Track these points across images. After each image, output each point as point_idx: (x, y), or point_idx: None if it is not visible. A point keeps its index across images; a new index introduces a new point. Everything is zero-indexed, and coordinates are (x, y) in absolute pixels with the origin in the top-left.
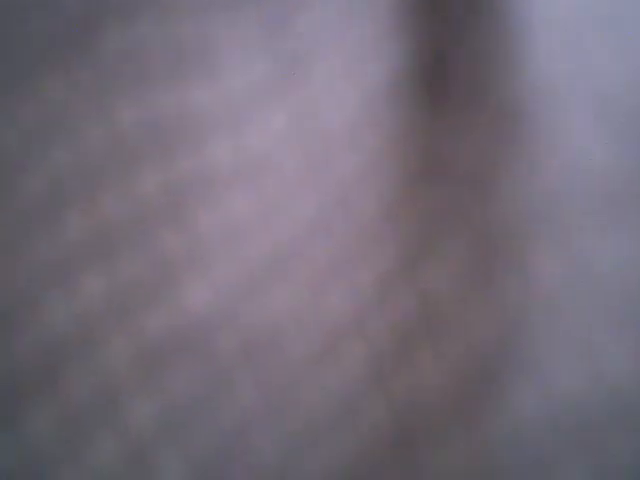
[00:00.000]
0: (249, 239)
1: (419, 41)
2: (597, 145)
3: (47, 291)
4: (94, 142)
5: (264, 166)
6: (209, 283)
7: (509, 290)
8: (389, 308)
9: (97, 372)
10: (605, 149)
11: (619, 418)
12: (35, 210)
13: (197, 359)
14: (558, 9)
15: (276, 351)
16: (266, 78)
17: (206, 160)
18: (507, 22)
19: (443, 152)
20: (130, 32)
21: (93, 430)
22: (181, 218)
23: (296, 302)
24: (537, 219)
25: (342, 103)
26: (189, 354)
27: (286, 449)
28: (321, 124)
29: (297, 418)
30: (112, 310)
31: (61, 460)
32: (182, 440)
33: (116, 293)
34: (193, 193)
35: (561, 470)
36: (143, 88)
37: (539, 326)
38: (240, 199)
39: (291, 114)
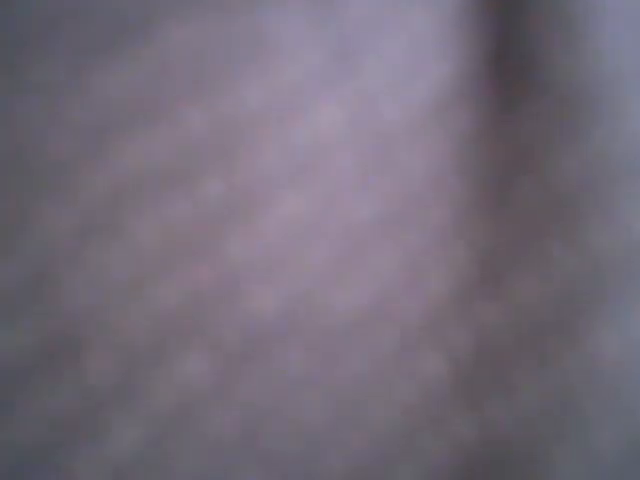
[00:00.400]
0: (307, 243)
1: (484, 28)
2: None
3: (123, 303)
4: (158, 145)
5: (320, 165)
6: (274, 288)
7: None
8: (467, 314)
9: (174, 381)
10: None
11: None
12: (100, 213)
13: (267, 365)
14: None
15: (343, 359)
16: (320, 71)
17: (261, 159)
18: (572, 7)
19: (510, 147)
20: (185, 28)
21: (171, 439)
22: (242, 222)
23: (360, 306)
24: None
25: (403, 97)
26: (260, 360)
27: (352, 465)
28: (380, 120)
29: (363, 433)
30: (187, 318)
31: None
32: (260, 446)
33: (188, 300)
34: (252, 197)
35: None
36: (199, 86)
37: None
38: (293, 201)
39: (347, 111)
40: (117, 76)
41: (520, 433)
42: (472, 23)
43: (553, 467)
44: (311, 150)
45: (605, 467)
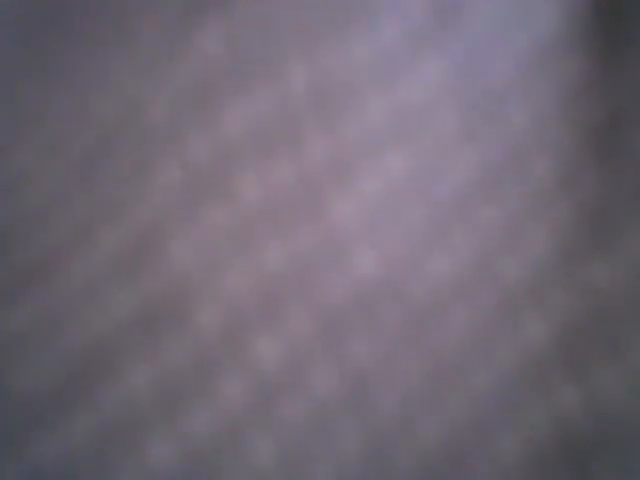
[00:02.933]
0: (409, 204)
1: None
2: None
3: (228, 259)
4: (261, 105)
5: (422, 124)
6: (376, 249)
7: None
8: (572, 276)
9: (283, 343)
10: None
11: None
12: (206, 174)
13: (367, 327)
14: None
15: (443, 322)
16: (423, 25)
17: (365, 121)
18: None
19: (618, 97)
20: None
21: (279, 395)
22: (346, 185)
23: (461, 268)
24: None
25: (510, 54)
26: (362, 323)
27: (449, 431)
28: (485, 77)
29: (463, 398)
30: (291, 278)
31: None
32: (361, 408)
33: (293, 261)
34: (355, 157)
35: None
36: (306, 41)
37: None
38: (397, 160)
39: (451, 66)
40: (216, 34)
41: (634, 405)
42: None
43: None
44: (415, 105)
45: None
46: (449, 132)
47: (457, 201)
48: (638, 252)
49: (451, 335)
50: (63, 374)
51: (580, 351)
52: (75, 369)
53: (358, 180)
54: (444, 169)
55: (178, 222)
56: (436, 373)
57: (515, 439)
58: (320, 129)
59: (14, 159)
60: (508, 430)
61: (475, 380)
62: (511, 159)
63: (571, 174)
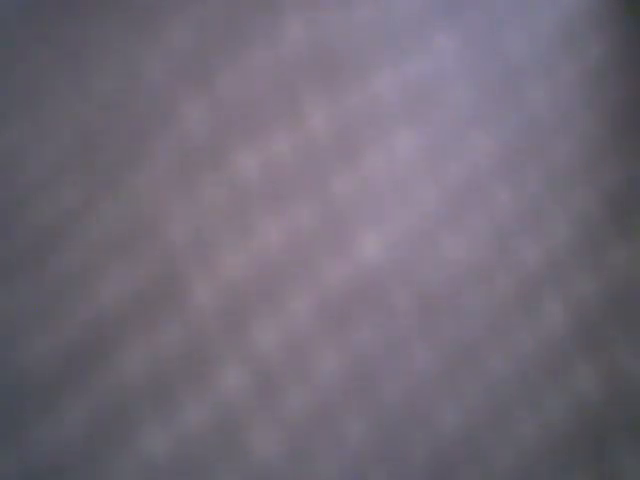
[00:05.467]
0: (419, 184)
1: None
2: None
3: (224, 237)
4: (259, 77)
5: (434, 101)
6: (381, 231)
7: None
8: (594, 261)
9: (284, 327)
10: None
11: None
12: (203, 152)
13: (374, 314)
14: None
15: (457, 307)
16: (438, 1)
17: (371, 93)
18: None
19: None
20: None
21: (281, 382)
22: (351, 161)
23: (476, 251)
24: None
25: (530, 29)
26: (367, 308)
27: (465, 417)
28: (503, 54)
29: (479, 384)
30: (291, 260)
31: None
32: (367, 396)
33: (294, 243)
34: (360, 131)
35: None
36: (306, 8)
37: None
38: (407, 137)
39: (466, 41)
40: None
41: None
42: None
43: None
44: (428, 82)
45: None
46: (464, 111)
47: (472, 182)
48: None
49: (466, 320)
50: (56, 360)
51: (598, 335)
52: (68, 355)
53: (365, 158)
54: (458, 149)
55: (175, 201)
56: (451, 359)
57: (533, 423)
58: (325, 102)
59: (11, 136)
60: (526, 414)
61: (492, 365)
62: (530, 140)
63: (592, 157)
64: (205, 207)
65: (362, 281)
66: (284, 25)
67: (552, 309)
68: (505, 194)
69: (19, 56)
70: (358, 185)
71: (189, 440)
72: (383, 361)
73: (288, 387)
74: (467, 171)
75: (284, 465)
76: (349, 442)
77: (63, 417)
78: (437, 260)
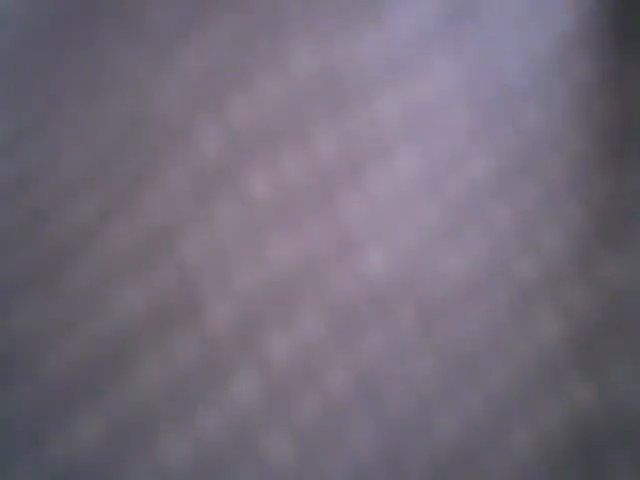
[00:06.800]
0: (420, 202)
1: None
2: None
3: (237, 254)
4: (269, 97)
5: (435, 122)
6: (385, 247)
7: None
8: (586, 272)
9: (296, 340)
10: None
11: None
12: (215, 173)
13: (379, 326)
14: None
15: (457, 318)
16: (435, 24)
17: (375, 116)
18: None
19: (632, 99)
20: None
21: (293, 393)
22: (356, 181)
23: (474, 264)
24: None
25: (524, 51)
26: (372, 321)
27: (464, 428)
28: (499, 75)
29: (477, 396)
30: (302, 275)
31: (268, 421)
32: (375, 407)
33: (304, 259)
34: (365, 153)
35: None
36: (312, 34)
37: None
38: (408, 157)
39: (464, 64)
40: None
41: None
42: None
43: None
44: (428, 104)
45: None
46: (462, 131)
47: (471, 199)
48: None
49: (466, 333)
50: (74, 372)
51: (595, 348)
52: (86, 367)
53: (370, 177)
54: (457, 168)
55: (189, 219)
56: (451, 371)
57: (530, 436)
58: (331, 125)
59: (28, 155)
60: (523, 427)
61: (490, 377)
62: (525, 158)
63: (585, 173)
64: (218, 225)
65: (368, 295)
66: (293, 52)
67: (548, 322)
68: (502, 211)
69: (35, 79)
70: (364, 203)
71: (205, 452)
72: (387, 371)
73: (300, 397)
74: (466, 189)
75: (296, 470)
76: (355, 450)
77: (79, 432)
78: (438, 275)
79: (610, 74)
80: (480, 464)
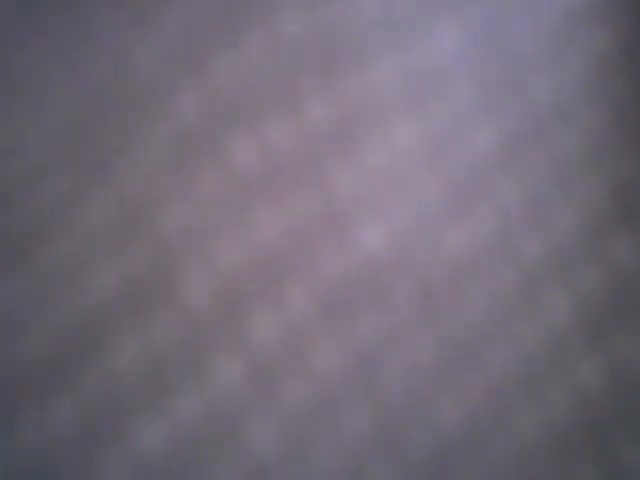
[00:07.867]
0: (419, 175)
1: None
2: None
3: (220, 227)
4: (256, 63)
5: (435, 92)
6: (380, 222)
7: None
8: (597, 252)
9: (281, 319)
10: None
11: None
12: (198, 141)
13: (374, 306)
14: None
15: (458, 298)
16: None
17: (371, 81)
18: None
19: None
20: None
21: (280, 375)
22: (350, 151)
23: (478, 242)
24: None
25: (533, 21)
26: (366, 300)
27: (466, 410)
28: (507, 43)
29: (480, 379)
30: (289, 250)
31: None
32: (367, 390)
33: (291, 233)
34: (359, 120)
35: None
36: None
37: None
38: (406, 126)
39: (467, 27)
40: None
41: None
42: None
43: None
44: (427, 68)
45: None
46: (464, 101)
47: (474, 173)
48: None
49: (468, 313)
50: (47, 352)
51: (601, 327)
52: (59, 347)
53: (364, 147)
54: (460, 139)
55: (168, 189)
56: (452, 352)
57: (535, 416)
58: (322, 89)
59: (1, 126)
60: (527, 408)
61: (493, 357)
62: (532, 132)
63: (595, 147)
64: (200, 196)
65: (361, 272)
66: (282, 11)
67: (555, 300)
68: (507, 185)
69: (11, 47)
70: (357, 175)
71: (184, 434)
72: (383, 353)
73: (285, 380)
74: (468, 161)
75: (280, 458)
76: (347, 435)
77: (52, 414)
78: (438, 251)
79: (625, 46)
80: (483, 448)
